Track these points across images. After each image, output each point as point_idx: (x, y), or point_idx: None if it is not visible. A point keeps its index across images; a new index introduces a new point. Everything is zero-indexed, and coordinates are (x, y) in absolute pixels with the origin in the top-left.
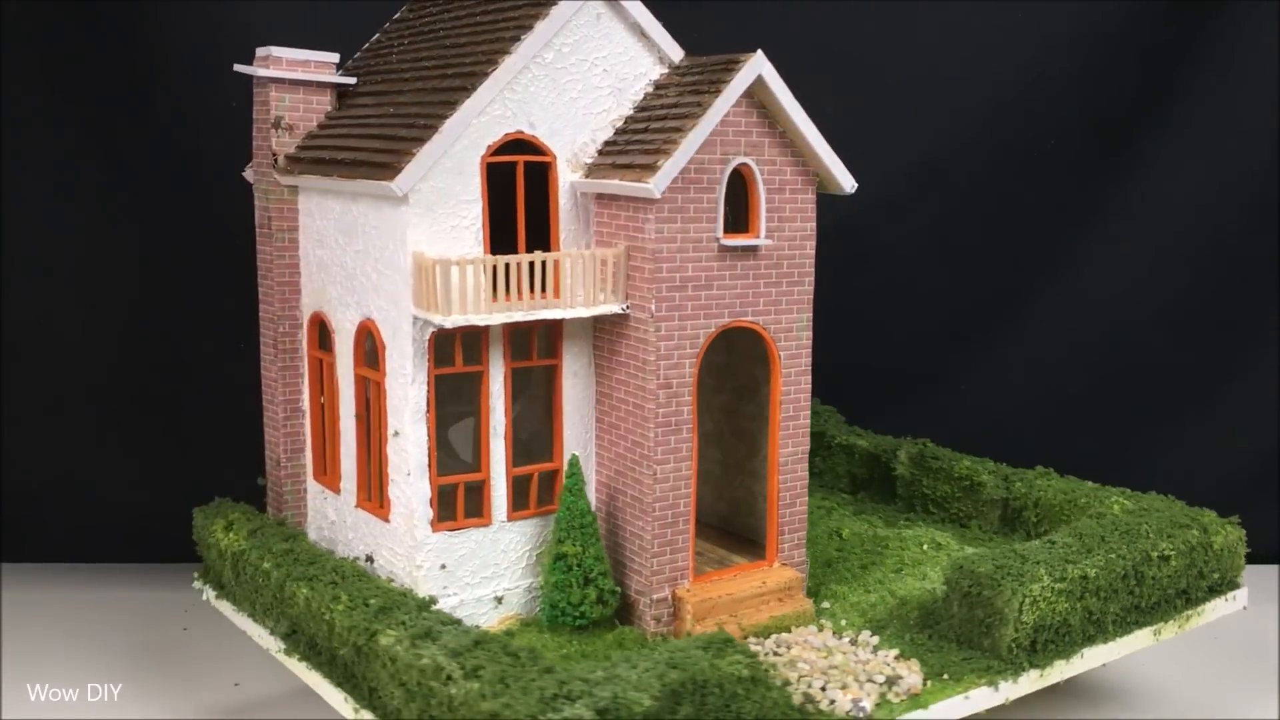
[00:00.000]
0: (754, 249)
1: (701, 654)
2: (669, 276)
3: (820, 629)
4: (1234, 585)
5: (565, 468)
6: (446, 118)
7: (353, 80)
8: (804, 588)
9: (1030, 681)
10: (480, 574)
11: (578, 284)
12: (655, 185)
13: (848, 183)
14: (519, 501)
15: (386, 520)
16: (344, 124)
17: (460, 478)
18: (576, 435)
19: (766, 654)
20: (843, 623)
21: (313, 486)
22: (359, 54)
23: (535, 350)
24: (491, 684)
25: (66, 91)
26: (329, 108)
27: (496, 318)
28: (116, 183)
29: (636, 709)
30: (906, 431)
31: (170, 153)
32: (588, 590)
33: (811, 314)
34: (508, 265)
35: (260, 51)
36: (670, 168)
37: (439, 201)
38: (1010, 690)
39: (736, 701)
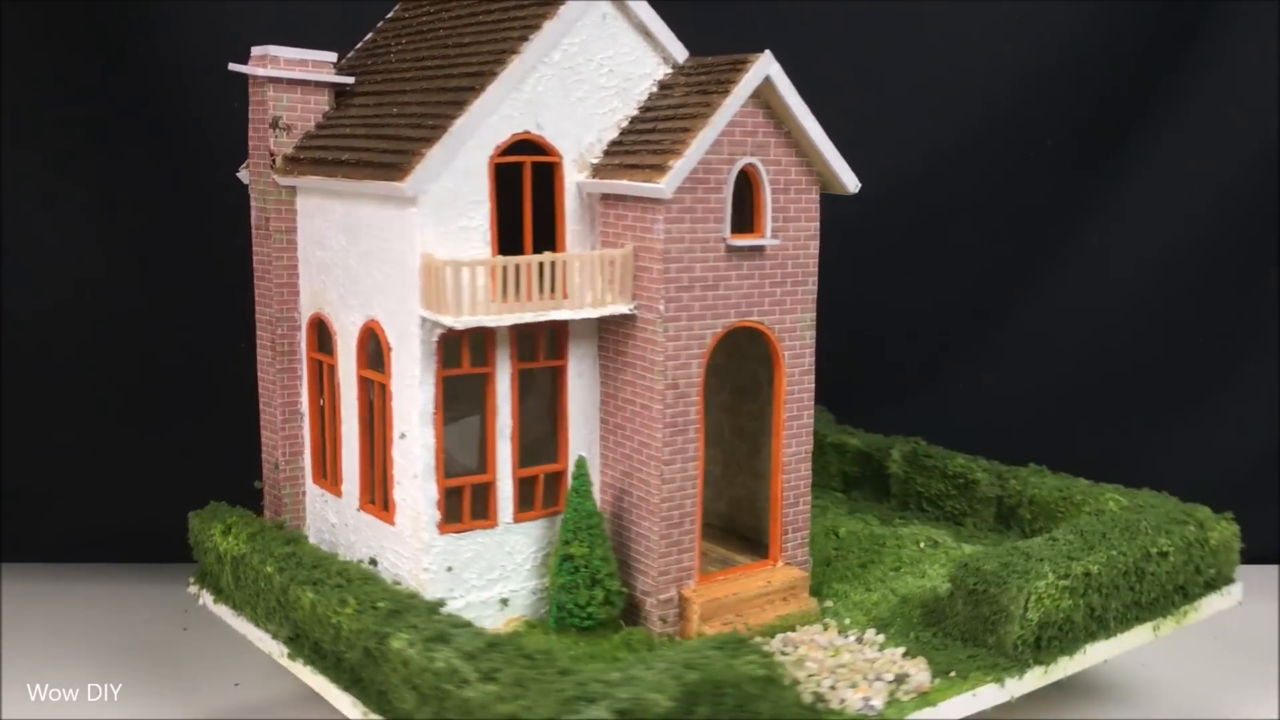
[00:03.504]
0: (760, 249)
1: (718, 654)
2: (677, 277)
3: (825, 628)
4: (1229, 580)
5: (571, 469)
6: (456, 118)
7: (350, 80)
8: (808, 587)
9: (1035, 678)
10: (486, 576)
11: (586, 285)
12: (666, 185)
13: (851, 183)
14: (525, 503)
15: (391, 524)
16: (344, 124)
17: (467, 480)
18: (581, 436)
19: (774, 654)
20: (847, 621)
21: (312, 490)
22: (354, 53)
23: (542, 351)
24: (509, 686)
25: (67, 92)
26: (327, 107)
27: (506, 319)
28: (118, 183)
29: (655, 710)
30: (902, 430)
31: (172, 153)
32: (595, 591)
33: (815, 314)
34: (517, 266)
35: (257, 50)
36: (681, 168)
37: (448, 202)
38: (1016, 687)
39: (752, 702)
